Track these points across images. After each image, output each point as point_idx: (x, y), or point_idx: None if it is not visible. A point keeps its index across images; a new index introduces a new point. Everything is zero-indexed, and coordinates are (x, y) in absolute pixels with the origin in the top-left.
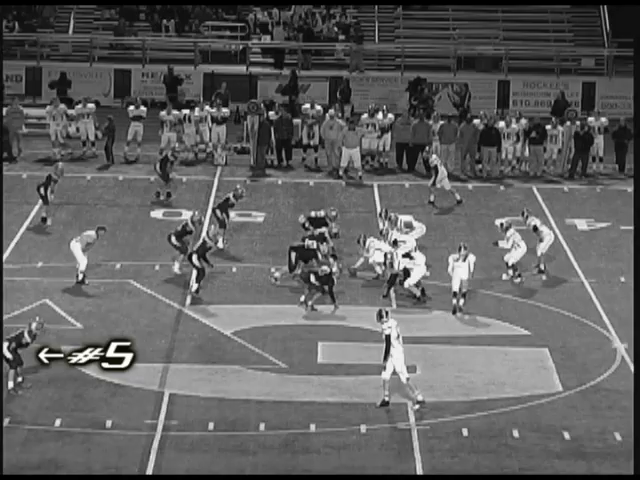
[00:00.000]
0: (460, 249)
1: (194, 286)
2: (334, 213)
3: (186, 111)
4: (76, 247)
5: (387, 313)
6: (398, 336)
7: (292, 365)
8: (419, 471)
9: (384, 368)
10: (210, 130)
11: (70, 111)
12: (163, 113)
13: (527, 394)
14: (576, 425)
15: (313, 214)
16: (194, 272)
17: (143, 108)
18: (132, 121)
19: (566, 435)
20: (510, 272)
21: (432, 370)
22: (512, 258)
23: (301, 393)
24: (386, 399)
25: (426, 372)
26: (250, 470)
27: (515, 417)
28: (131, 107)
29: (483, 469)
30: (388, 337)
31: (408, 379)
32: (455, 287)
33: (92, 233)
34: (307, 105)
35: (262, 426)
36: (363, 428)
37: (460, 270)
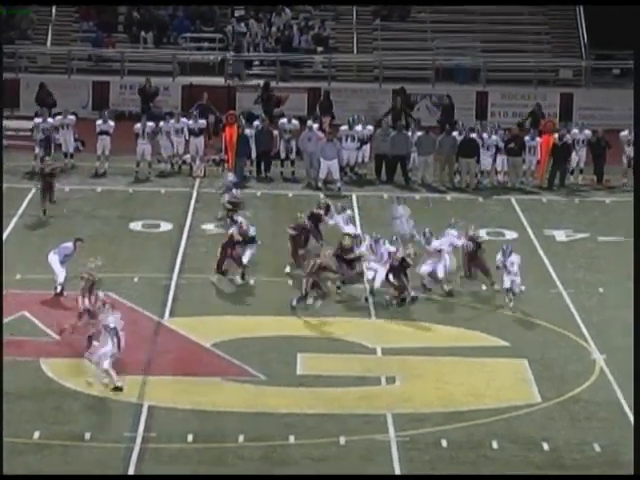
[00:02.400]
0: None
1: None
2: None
3: (161, 123)
4: (54, 259)
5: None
6: None
7: (271, 377)
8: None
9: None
10: (187, 142)
11: (50, 120)
12: (138, 125)
13: (506, 405)
14: (555, 436)
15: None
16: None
17: (111, 123)
18: (99, 135)
19: (545, 446)
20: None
21: (411, 381)
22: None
23: (280, 405)
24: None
25: (405, 383)
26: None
27: (494, 428)
28: (99, 121)
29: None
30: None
31: None
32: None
33: (69, 245)
34: (284, 120)
35: (241, 438)
36: (342, 440)
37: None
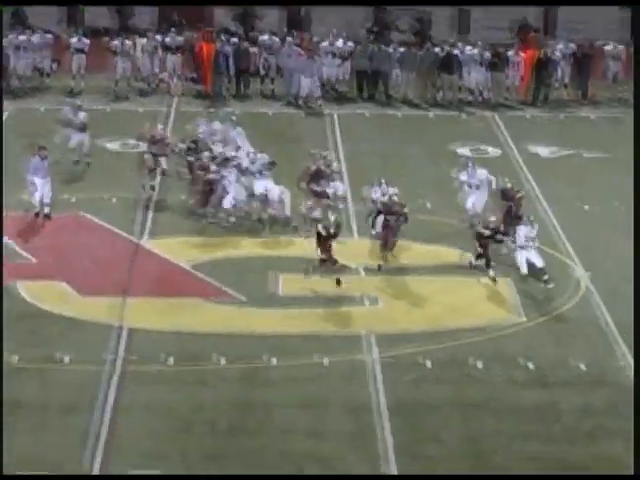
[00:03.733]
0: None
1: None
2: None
3: (141, 40)
4: (30, 178)
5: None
6: None
7: (252, 298)
8: (382, 403)
9: None
10: (162, 60)
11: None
12: (115, 43)
13: (490, 324)
14: (540, 355)
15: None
16: None
17: (86, 40)
18: (74, 54)
19: (530, 365)
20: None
21: (395, 301)
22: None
23: (261, 326)
24: None
25: (388, 303)
26: (211, 403)
27: (478, 348)
28: (73, 39)
29: (446, 400)
30: None
31: None
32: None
33: (33, 157)
34: (264, 37)
35: (222, 359)
36: (325, 360)
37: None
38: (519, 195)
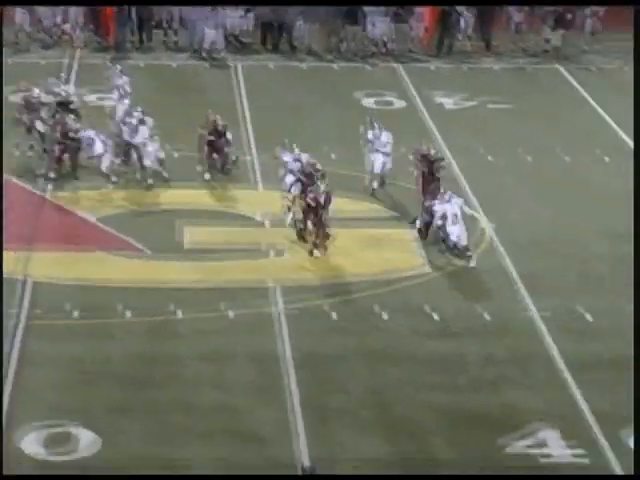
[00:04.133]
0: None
1: None
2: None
3: None
4: None
5: None
6: None
7: (157, 250)
8: (288, 355)
9: None
10: (64, 11)
11: None
12: None
13: (396, 276)
14: (444, 305)
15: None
16: None
17: None
18: None
19: (435, 315)
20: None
21: (300, 253)
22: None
23: (167, 278)
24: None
25: (295, 255)
26: (117, 356)
27: (384, 299)
28: None
29: (352, 351)
30: None
31: None
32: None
33: None
34: None
35: (128, 313)
36: (230, 313)
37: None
38: (437, 159)
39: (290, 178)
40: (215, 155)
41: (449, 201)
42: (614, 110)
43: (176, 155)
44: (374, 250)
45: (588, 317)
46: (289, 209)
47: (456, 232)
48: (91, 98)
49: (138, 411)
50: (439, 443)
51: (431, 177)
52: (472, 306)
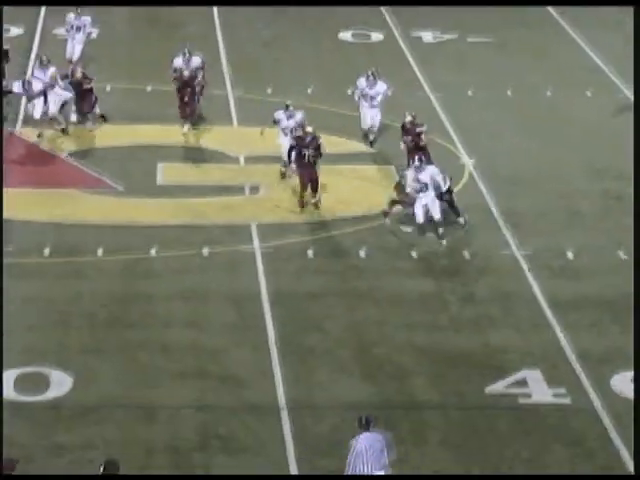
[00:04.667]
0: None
1: None
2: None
3: None
4: None
5: None
6: None
7: (130, 187)
8: (263, 294)
9: None
10: None
11: None
12: None
13: (374, 213)
14: (423, 244)
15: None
16: None
17: None
18: None
19: (413, 254)
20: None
21: (276, 190)
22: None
23: (140, 216)
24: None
25: (269, 192)
26: (90, 296)
27: (362, 236)
28: None
29: (329, 290)
30: None
31: None
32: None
33: None
34: None
35: (100, 251)
36: (205, 251)
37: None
38: (419, 130)
39: (284, 140)
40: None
41: (422, 170)
42: (602, 49)
43: (149, 89)
44: (353, 186)
45: (570, 255)
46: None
47: (433, 204)
48: (60, 32)
49: (110, 351)
50: (419, 384)
51: (414, 146)
52: (452, 244)
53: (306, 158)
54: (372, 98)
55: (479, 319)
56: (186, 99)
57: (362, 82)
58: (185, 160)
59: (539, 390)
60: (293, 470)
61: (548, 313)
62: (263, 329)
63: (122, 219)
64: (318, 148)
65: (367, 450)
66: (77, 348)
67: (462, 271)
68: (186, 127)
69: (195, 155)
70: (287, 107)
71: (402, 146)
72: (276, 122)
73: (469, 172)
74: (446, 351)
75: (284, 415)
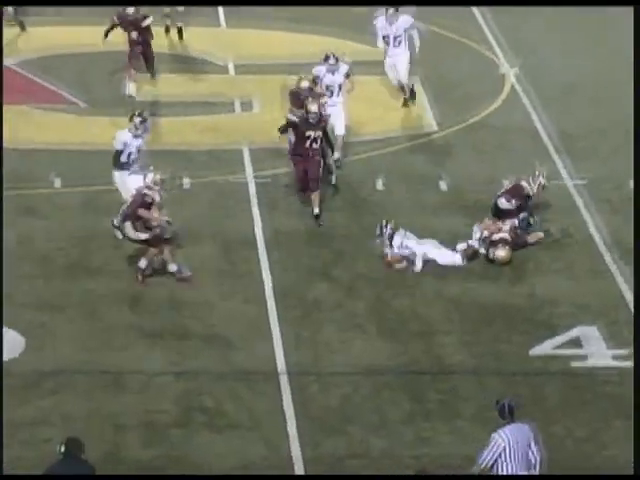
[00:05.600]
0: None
1: None
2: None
3: None
4: None
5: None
6: None
7: (94, 103)
8: (258, 233)
9: None
10: None
11: None
12: None
13: (393, 135)
14: (454, 171)
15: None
16: None
17: None
18: None
19: (442, 184)
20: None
21: (272, 106)
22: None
23: (106, 138)
24: None
25: (265, 109)
26: (44, 237)
27: (378, 163)
28: None
29: (337, 229)
30: None
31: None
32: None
33: None
34: None
35: (56, 182)
36: (186, 182)
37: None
38: None
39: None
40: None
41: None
42: None
43: None
44: (365, 102)
45: (631, 184)
46: None
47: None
48: None
49: (69, 305)
50: (450, 343)
51: None
52: (487, 170)
53: (308, 144)
54: (396, 40)
55: (522, 264)
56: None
57: (381, 19)
58: (162, 69)
59: (596, 351)
60: (294, 451)
61: (607, 257)
62: (258, 278)
63: (84, 142)
64: (325, 132)
65: (513, 446)
66: (29, 302)
67: None
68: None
69: (174, 62)
70: (328, 58)
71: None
72: (316, 81)
73: (511, 85)
74: (482, 304)
75: (283, 383)
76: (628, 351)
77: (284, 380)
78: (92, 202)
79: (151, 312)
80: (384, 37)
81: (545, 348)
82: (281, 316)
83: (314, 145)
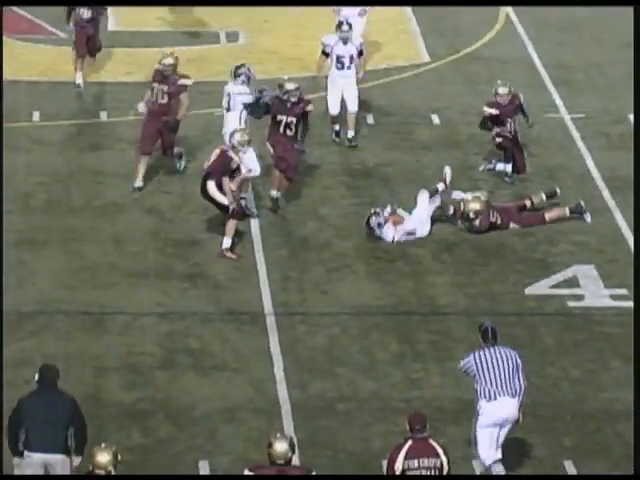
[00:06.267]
0: None
1: None
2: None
3: None
4: None
5: None
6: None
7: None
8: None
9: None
10: None
11: None
12: None
13: (384, 67)
14: (447, 104)
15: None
16: None
17: None
18: None
19: (435, 119)
20: None
21: (260, 37)
22: None
23: (87, 71)
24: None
25: (252, 40)
26: (23, 174)
27: (370, 97)
28: None
29: (329, 166)
30: None
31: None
32: None
33: None
34: None
35: (36, 115)
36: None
37: None
38: None
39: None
40: None
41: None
42: None
43: None
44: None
45: (631, 119)
46: None
47: None
48: None
49: (50, 243)
50: (441, 283)
51: None
52: (482, 105)
53: (281, 129)
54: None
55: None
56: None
57: None
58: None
59: (594, 291)
60: (282, 393)
61: (605, 193)
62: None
63: (64, 75)
64: (304, 116)
65: (490, 368)
66: (8, 239)
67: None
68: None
69: None
70: (340, 25)
71: None
72: (326, 52)
73: (506, 14)
74: (474, 242)
75: (270, 323)
76: (626, 291)
77: (271, 321)
78: (73, 138)
79: (133, 250)
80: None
81: (541, 288)
82: (267, 255)
83: (288, 132)
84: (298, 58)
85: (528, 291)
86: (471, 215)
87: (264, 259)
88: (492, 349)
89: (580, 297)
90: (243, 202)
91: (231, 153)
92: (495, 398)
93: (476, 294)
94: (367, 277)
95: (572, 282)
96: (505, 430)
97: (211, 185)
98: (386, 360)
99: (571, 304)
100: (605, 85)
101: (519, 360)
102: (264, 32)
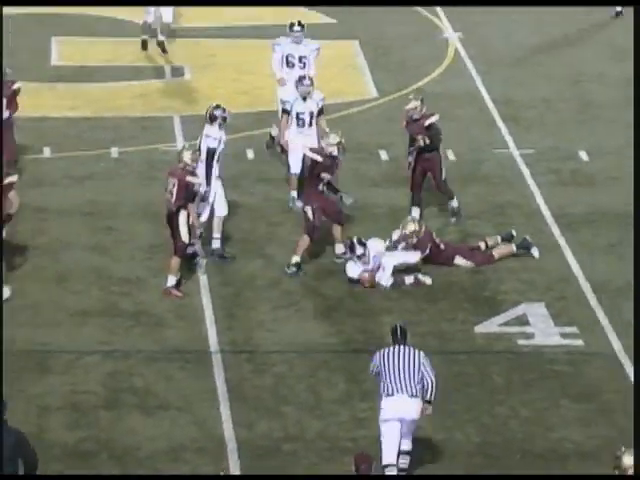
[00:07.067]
0: None
1: None
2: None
3: None
4: None
5: None
6: None
7: (17, 69)
8: None
9: None
10: None
11: None
12: None
13: (332, 102)
14: (395, 141)
15: None
16: None
17: None
18: None
19: (383, 154)
20: None
21: (205, 72)
22: None
23: (30, 106)
24: None
25: (197, 75)
26: None
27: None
28: None
29: (275, 202)
30: None
31: None
32: None
33: None
34: None
35: None
36: (114, 151)
37: None
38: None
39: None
40: None
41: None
42: None
43: None
44: None
45: (583, 156)
46: None
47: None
48: None
49: None
50: (389, 322)
51: None
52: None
53: (321, 187)
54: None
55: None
56: None
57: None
58: (87, 33)
59: (543, 329)
60: (227, 432)
61: (555, 230)
62: None
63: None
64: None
65: (392, 368)
66: None
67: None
68: None
69: (101, 26)
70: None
71: None
72: (287, 110)
73: (455, 49)
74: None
75: (216, 362)
76: (576, 328)
77: (217, 359)
78: (22, 172)
79: (77, 289)
80: (287, 57)
81: (490, 326)
82: (213, 294)
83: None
84: (243, 92)
85: (477, 329)
86: (407, 234)
87: (210, 297)
88: (397, 347)
89: (530, 335)
90: (196, 245)
91: (189, 178)
92: (392, 394)
93: (425, 332)
94: (314, 315)
95: (522, 320)
96: (406, 429)
97: (183, 216)
98: (333, 399)
99: (521, 342)
100: (555, 121)
101: (423, 360)
102: (211, 67)
